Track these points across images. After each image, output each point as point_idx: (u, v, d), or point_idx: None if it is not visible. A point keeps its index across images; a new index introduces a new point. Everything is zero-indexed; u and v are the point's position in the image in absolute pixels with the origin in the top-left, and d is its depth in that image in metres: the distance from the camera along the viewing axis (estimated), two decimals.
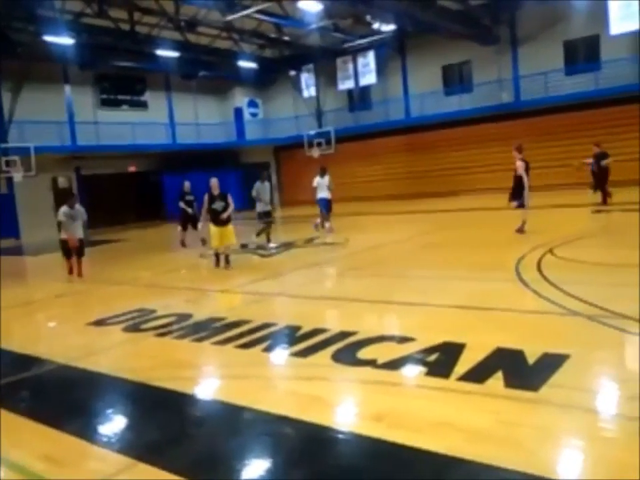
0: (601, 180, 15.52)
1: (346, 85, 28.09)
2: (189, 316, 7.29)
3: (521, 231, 11.56)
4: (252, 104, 32.23)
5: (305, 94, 29.74)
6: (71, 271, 11.53)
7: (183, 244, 14.95)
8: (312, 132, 27.46)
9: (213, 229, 10.82)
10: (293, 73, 29.92)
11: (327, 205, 15.62)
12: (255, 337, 6.02)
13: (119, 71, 25.67)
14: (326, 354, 5.20)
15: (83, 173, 25.53)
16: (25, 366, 5.84)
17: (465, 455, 3.20)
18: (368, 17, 22.31)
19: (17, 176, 21.61)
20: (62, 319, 8.52)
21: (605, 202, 15.27)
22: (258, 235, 14.29)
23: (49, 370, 5.68)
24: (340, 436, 3.71)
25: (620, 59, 20.80)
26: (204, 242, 13.70)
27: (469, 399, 4.00)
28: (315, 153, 26.39)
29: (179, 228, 15.19)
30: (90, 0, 19.77)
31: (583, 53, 22.63)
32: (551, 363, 4.43)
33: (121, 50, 22.61)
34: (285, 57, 28.50)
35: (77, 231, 11.27)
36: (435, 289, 7.82)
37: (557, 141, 21.89)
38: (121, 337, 6.69)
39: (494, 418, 3.68)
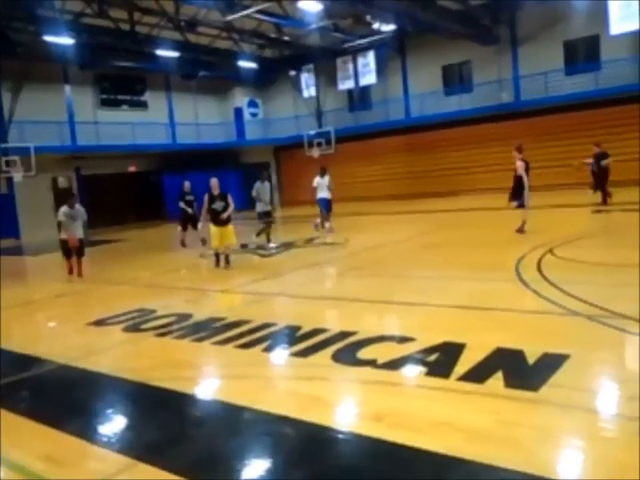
0: (600, 180, 15.53)
1: (346, 85, 28.10)
2: (188, 316, 7.29)
3: (520, 230, 11.56)
4: (252, 104, 32.23)
5: (305, 94, 29.73)
6: (71, 271, 11.53)
7: (183, 244, 14.95)
8: (312, 132, 27.46)
9: (213, 228, 10.82)
10: (293, 73, 29.92)
11: (327, 205, 15.63)
12: (255, 337, 6.02)
13: (119, 71, 25.67)
14: (326, 354, 5.20)
15: (83, 173, 25.52)
16: (24, 366, 5.84)
17: (465, 455, 3.20)
18: (368, 17, 22.31)
19: (17, 176, 21.61)
20: (62, 319, 8.52)
21: (604, 202, 15.28)
22: (258, 235, 14.29)
23: (49, 370, 5.68)
24: (340, 436, 3.71)
25: (620, 59, 20.80)
26: (204, 242, 13.70)
27: (468, 399, 4.00)
28: (315, 153, 26.39)
29: (179, 228, 15.20)
30: (90, 0, 19.77)
31: (583, 53, 22.63)
32: (551, 363, 4.43)
33: (120, 50, 22.61)
34: (285, 57, 28.50)
35: (77, 231, 11.27)
36: (434, 288, 7.82)
37: (557, 141, 21.88)
38: (121, 337, 6.69)
39: (494, 418, 3.68)
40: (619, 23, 20.39)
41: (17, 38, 19.95)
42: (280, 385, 4.90)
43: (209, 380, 5.34)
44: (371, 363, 4.82)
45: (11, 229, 22.41)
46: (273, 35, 25.83)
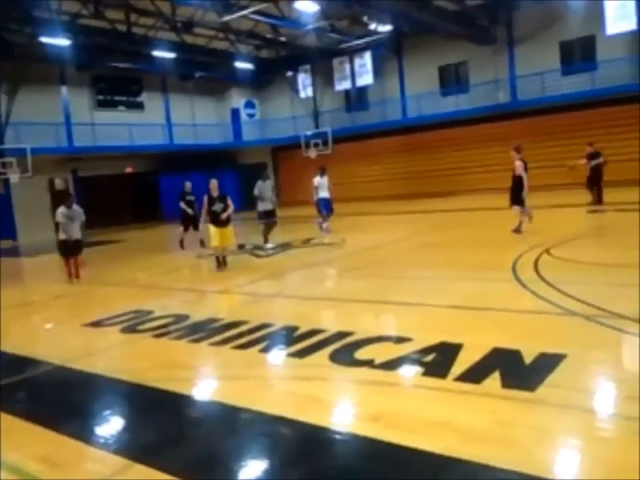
0: (592, 179, 15.56)
1: (343, 85, 28.12)
2: (186, 317, 7.28)
3: (517, 231, 11.57)
4: (249, 105, 32.23)
5: (302, 94, 29.72)
6: (70, 275, 11.50)
7: (182, 245, 14.90)
8: (309, 132, 27.48)
9: (213, 229, 10.80)
10: (289, 73, 29.91)
11: (328, 205, 15.58)
12: (253, 337, 6.02)
13: (115, 72, 25.66)
14: (323, 354, 5.20)
15: (79, 174, 25.47)
16: (22, 367, 5.83)
17: (461, 455, 3.20)
18: (364, 18, 22.32)
19: (14, 177, 21.56)
20: (59, 320, 8.51)
21: (599, 201, 15.31)
22: (265, 237, 13.90)
23: (46, 371, 5.68)
24: (337, 436, 3.71)
25: (616, 59, 20.85)
26: (202, 243, 13.68)
27: (465, 399, 4.01)
28: (312, 153, 26.41)
29: (181, 228, 15.06)
30: (86, 1, 19.74)
31: (579, 53, 22.69)
32: (548, 363, 4.43)
33: (117, 51, 22.59)
34: (281, 57, 28.51)
35: (75, 232, 11.24)
36: (432, 289, 7.83)
37: (554, 141, 21.91)
38: (118, 338, 6.68)
39: (491, 418, 3.69)
40: (615, 23, 20.47)
41: (14, 39, 19.89)
42: (277, 386, 4.90)
43: (207, 381, 5.34)
44: (368, 363, 4.83)
45: (8, 230, 22.38)
46: (269, 36, 25.85)
